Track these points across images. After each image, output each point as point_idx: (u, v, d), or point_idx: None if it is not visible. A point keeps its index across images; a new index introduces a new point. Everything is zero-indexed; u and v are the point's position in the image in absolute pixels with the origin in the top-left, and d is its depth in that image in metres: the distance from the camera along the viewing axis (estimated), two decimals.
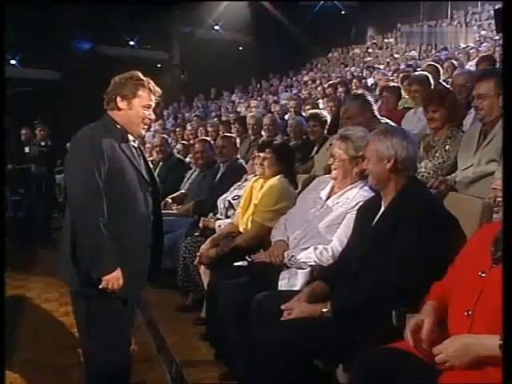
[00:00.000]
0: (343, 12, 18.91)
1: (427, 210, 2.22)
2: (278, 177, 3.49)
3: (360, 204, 2.68)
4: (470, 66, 8.95)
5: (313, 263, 2.71)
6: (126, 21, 16.27)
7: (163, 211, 5.19)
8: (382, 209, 2.42)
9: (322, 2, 18.61)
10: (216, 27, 18.85)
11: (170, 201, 5.28)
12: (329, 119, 5.33)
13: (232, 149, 4.90)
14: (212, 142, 5.74)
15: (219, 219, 4.07)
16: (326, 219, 2.80)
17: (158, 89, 2.60)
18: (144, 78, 2.56)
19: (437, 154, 3.45)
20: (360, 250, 2.36)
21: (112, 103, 2.55)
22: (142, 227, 2.57)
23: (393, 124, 3.60)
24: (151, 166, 2.81)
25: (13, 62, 15.97)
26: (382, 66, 12.91)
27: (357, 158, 2.82)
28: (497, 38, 11.94)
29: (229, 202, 4.02)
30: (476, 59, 9.82)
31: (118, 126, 2.54)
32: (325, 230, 2.78)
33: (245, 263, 3.07)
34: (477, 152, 3.15)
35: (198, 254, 3.61)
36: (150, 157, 7.49)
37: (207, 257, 3.51)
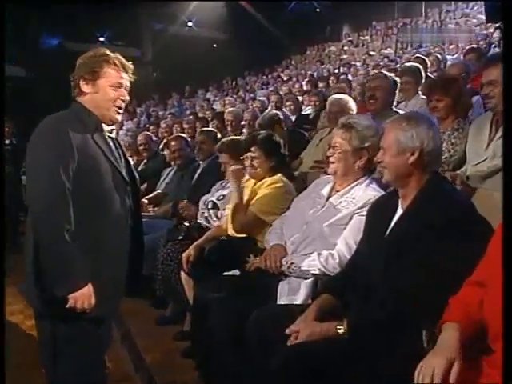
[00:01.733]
0: (318, 10, 18.68)
1: (459, 213, 1.85)
2: (277, 176, 3.12)
3: (370, 204, 2.30)
4: (452, 60, 8.80)
5: (317, 272, 2.34)
6: (96, 16, 15.67)
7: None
8: (400, 210, 2.05)
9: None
10: (189, 24, 18.39)
11: (145, 202, 4.84)
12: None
13: (212, 144, 4.49)
14: (189, 139, 5.36)
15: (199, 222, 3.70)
16: (329, 220, 2.44)
17: (128, 64, 2.20)
18: (110, 53, 2.16)
19: (442, 148, 3.12)
20: (375, 258, 1.99)
21: (77, 88, 2.15)
22: (117, 233, 2.15)
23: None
24: (131, 162, 2.40)
25: None
26: (358, 64, 12.74)
27: (361, 150, 2.47)
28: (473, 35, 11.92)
29: (213, 202, 3.62)
30: (458, 53, 9.76)
31: (90, 115, 2.13)
32: (328, 232, 2.41)
33: (236, 272, 2.66)
34: (490, 144, 2.85)
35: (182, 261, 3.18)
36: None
37: (189, 263, 3.09)
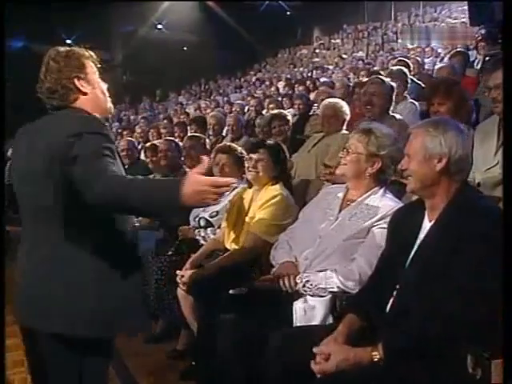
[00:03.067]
0: (288, 13, 18.66)
1: (495, 225, 1.71)
2: (277, 186, 2.96)
3: (390, 216, 2.15)
4: (428, 63, 8.85)
5: (335, 289, 2.18)
6: (62, 17, 15.22)
7: None
8: (427, 222, 1.91)
9: (266, 2, 18.28)
10: (159, 26, 18.09)
11: None
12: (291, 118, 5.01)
13: (202, 150, 4.31)
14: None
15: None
16: (345, 234, 2.28)
17: (94, 55, 2.03)
18: (82, 50, 2.01)
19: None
20: (405, 275, 1.84)
21: (72, 92, 1.93)
22: (120, 244, 1.95)
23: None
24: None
25: None
26: (330, 67, 12.73)
27: (375, 157, 2.34)
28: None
29: (205, 220, 3.43)
30: (433, 56, 9.83)
31: (93, 117, 1.92)
32: (344, 246, 2.26)
33: (243, 290, 2.48)
34: (499, 149, 2.76)
35: (177, 277, 2.97)
36: None
37: (187, 281, 2.88)
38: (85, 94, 1.94)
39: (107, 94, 2.02)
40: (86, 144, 1.74)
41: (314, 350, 1.77)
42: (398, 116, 3.86)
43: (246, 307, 2.33)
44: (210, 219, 3.42)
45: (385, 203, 2.30)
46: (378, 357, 1.69)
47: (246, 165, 3.03)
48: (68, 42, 17.02)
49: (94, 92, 1.96)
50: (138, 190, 1.69)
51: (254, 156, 2.98)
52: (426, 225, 1.91)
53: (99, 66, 2.03)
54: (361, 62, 11.73)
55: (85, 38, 17.02)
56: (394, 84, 3.86)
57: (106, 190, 1.66)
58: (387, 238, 2.05)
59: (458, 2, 14.69)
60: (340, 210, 2.39)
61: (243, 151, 3.39)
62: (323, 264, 2.27)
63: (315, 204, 2.55)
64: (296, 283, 2.24)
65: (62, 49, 1.99)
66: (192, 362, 3.01)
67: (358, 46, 15.48)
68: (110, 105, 2.03)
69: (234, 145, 3.70)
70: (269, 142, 3.11)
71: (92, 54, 2.01)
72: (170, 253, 3.38)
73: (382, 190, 2.36)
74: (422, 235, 1.89)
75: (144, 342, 3.58)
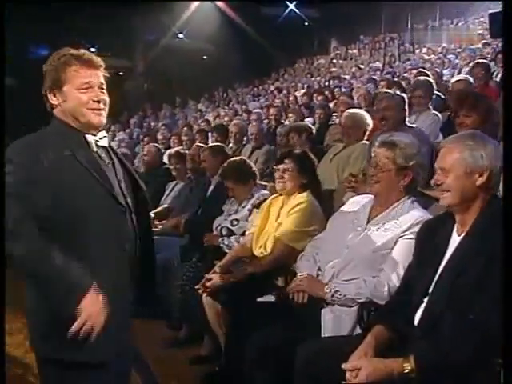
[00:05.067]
0: (306, 23, 18.68)
1: None
2: (305, 194, 2.95)
3: (418, 227, 2.13)
4: (447, 74, 8.77)
5: (363, 300, 2.16)
6: (86, 26, 15.40)
7: None
8: (456, 235, 1.89)
9: (285, 12, 18.34)
10: (180, 35, 18.21)
11: (152, 215, 4.61)
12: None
13: (223, 159, 4.30)
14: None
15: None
16: (374, 245, 2.26)
17: (96, 59, 1.83)
18: (71, 52, 1.81)
19: None
20: (435, 288, 1.81)
21: (48, 102, 1.84)
22: (112, 262, 1.79)
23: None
24: (134, 172, 2.02)
25: None
26: (347, 77, 12.71)
27: (405, 169, 2.30)
28: (459, 50, 11.97)
29: (227, 229, 3.43)
30: (450, 67, 9.75)
31: (70, 129, 1.82)
32: (372, 258, 2.24)
33: (271, 298, 2.46)
34: None
35: (201, 283, 2.96)
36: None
37: (215, 287, 2.87)
38: (55, 106, 1.82)
39: (89, 107, 1.80)
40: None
41: (343, 366, 1.74)
42: (415, 127, 3.86)
43: (274, 315, 2.32)
44: (232, 227, 3.43)
45: (412, 214, 2.27)
46: (409, 368, 1.66)
47: (275, 175, 3.01)
48: (92, 50, 17.28)
49: (64, 106, 1.81)
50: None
51: (281, 166, 2.97)
52: (456, 238, 1.88)
53: (105, 74, 1.86)
54: (378, 72, 11.71)
55: (108, 47, 17.24)
56: (404, 95, 3.88)
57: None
58: (415, 250, 2.02)
59: (475, 14, 14.66)
60: (368, 221, 2.36)
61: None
62: (350, 274, 2.25)
63: (342, 214, 2.53)
64: (325, 293, 2.21)
65: (58, 51, 1.85)
66: (215, 367, 3.00)
67: (375, 56, 15.43)
68: (92, 120, 1.81)
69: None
70: (295, 151, 3.09)
71: (89, 58, 1.81)
72: (194, 259, 3.38)
73: (409, 201, 2.33)
74: (451, 248, 1.86)
75: (168, 346, 3.59)
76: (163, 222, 4.64)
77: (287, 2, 18.28)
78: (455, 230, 1.90)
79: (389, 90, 4.27)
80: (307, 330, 2.18)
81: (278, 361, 2.10)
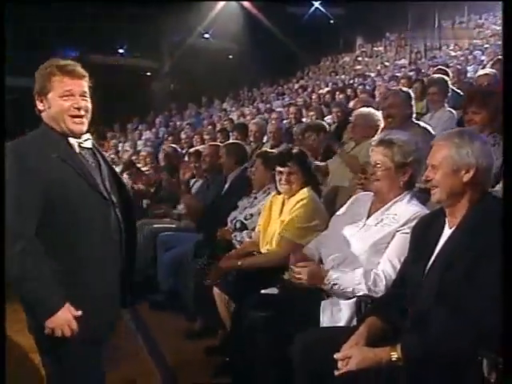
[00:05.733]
0: (332, 21, 18.64)
1: None
2: (305, 189, 3.03)
3: (413, 221, 2.20)
4: (470, 71, 8.68)
5: (361, 294, 2.22)
6: (114, 28, 15.73)
7: (164, 225, 4.81)
8: (447, 229, 1.94)
9: (310, 11, 18.33)
10: (206, 35, 18.42)
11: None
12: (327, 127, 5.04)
13: (240, 157, 4.41)
14: None
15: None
16: (371, 239, 2.33)
17: (79, 69, 2.00)
18: (57, 63, 1.98)
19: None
20: (425, 279, 1.87)
21: (36, 108, 2.01)
22: (98, 249, 1.99)
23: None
24: (117, 170, 2.26)
25: None
26: (372, 74, 12.66)
27: (404, 166, 2.36)
28: (487, 45, 11.78)
29: (241, 222, 3.52)
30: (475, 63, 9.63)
31: (55, 133, 1.98)
32: (370, 252, 2.31)
33: (274, 290, 2.56)
34: None
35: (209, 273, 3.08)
36: (144, 166, 7.03)
37: (219, 273, 2.99)
38: (41, 111, 1.98)
39: (69, 114, 1.95)
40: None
41: (335, 356, 1.83)
42: (422, 124, 3.87)
43: (276, 306, 2.41)
44: (245, 221, 3.52)
45: (410, 209, 2.33)
46: (395, 356, 1.73)
47: (277, 177, 3.09)
48: (120, 51, 17.63)
49: (49, 111, 1.96)
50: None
51: (285, 169, 3.04)
52: (447, 231, 1.94)
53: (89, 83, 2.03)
54: (403, 69, 11.64)
55: (135, 48, 17.59)
56: (410, 92, 3.90)
57: None
58: (410, 245, 2.08)
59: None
60: (368, 217, 2.43)
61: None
62: (349, 268, 2.32)
63: (345, 210, 2.61)
64: (324, 284, 2.29)
65: (47, 62, 2.01)
66: (227, 357, 3.10)
67: (401, 53, 15.33)
68: (71, 126, 1.96)
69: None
70: (294, 150, 3.15)
71: (71, 68, 1.97)
72: (207, 254, 3.49)
73: (408, 196, 2.39)
74: (442, 241, 1.92)
75: (184, 338, 3.70)
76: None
77: (312, 1, 18.28)
78: (447, 223, 1.96)
79: (393, 88, 4.28)
80: (308, 320, 2.25)
81: (279, 348, 2.17)
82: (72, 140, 2.00)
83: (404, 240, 2.21)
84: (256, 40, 16.96)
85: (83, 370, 2.01)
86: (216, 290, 3.09)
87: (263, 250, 3.10)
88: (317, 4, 18.37)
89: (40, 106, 1.98)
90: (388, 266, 2.23)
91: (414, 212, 2.30)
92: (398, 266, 2.18)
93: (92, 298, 1.96)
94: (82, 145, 2.03)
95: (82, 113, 1.98)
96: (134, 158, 8.17)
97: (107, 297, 2.02)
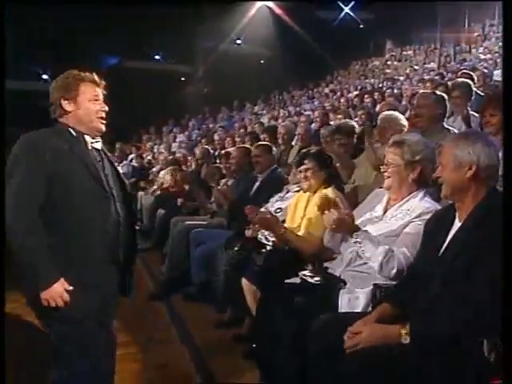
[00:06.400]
0: (361, 26, 18.61)
1: None
2: (330, 189, 3.18)
3: (426, 215, 2.34)
4: (496, 75, 8.62)
5: (373, 266, 2.37)
6: (151, 35, 16.13)
7: (196, 222, 5.01)
8: (457, 223, 2.07)
9: (340, 16, 18.34)
10: (238, 41, 18.66)
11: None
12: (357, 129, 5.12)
13: (268, 157, 4.58)
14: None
15: None
16: (386, 231, 2.47)
17: (99, 80, 2.31)
18: (81, 73, 2.28)
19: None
20: (436, 272, 2.00)
21: (59, 109, 2.26)
22: (97, 238, 2.23)
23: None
24: (120, 171, 2.51)
25: (45, 76, 15.98)
26: (401, 78, 12.63)
27: (413, 164, 2.51)
28: None
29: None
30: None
31: (72, 131, 2.25)
32: (384, 243, 2.42)
33: (296, 280, 2.72)
34: None
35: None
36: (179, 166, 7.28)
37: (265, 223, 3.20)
38: (68, 112, 2.24)
39: (98, 116, 2.26)
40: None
41: (349, 329, 1.99)
42: (452, 129, 3.90)
43: (298, 295, 2.56)
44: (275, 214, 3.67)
45: (422, 205, 2.46)
46: (404, 332, 1.87)
47: (299, 176, 3.26)
48: (157, 57, 18.04)
49: (77, 112, 2.24)
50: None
51: (303, 167, 3.22)
52: (456, 225, 2.06)
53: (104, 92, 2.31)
54: (432, 72, 11.58)
55: (171, 54, 17.96)
56: (444, 95, 3.94)
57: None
58: (422, 238, 2.21)
59: None
60: (384, 212, 2.57)
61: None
62: (362, 261, 2.47)
63: (362, 207, 2.75)
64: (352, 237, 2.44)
65: (63, 75, 2.28)
66: (252, 344, 3.26)
67: (430, 57, 15.20)
68: (99, 126, 2.28)
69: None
70: (311, 151, 3.32)
71: (96, 78, 2.29)
72: (236, 248, 3.66)
73: (421, 194, 2.52)
74: (451, 234, 2.05)
75: (215, 327, 3.86)
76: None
77: (342, 5, 18.28)
78: (457, 218, 2.09)
79: (426, 90, 4.35)
80: (327, 307, 2.39)
81: (300, 333, 2.32)
82: (87, 138, 2.27)
83: (416, 229, 2.35)
84: (286, 45, 17.07)
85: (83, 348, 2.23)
86: (244, 280, 3.26)
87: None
88: (347, 9, 18.36)
89: (68, 107, 2.24)
90: (400, 251, 2.35)
91: (426, 207, 2.43)
92: (409, 254, 2.31)
93: (87, 284, 2.19)
94: (93, 145, 2.29)
95: (105, 115, 2.30)
96: (170, 158, 8.45)
97: (102, 286, 2.25)
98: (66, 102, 2.24)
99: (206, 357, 3.46)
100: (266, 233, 3.66)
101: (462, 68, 10.22)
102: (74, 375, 2.22)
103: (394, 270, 2.31)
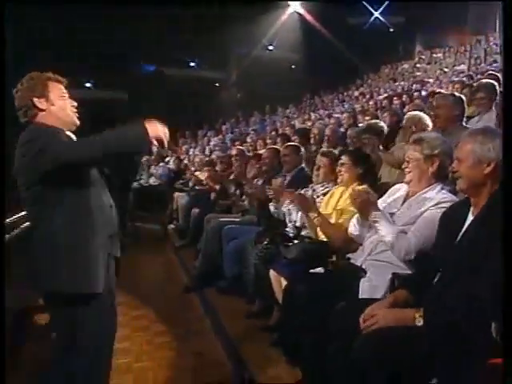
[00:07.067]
0: (391, 30, 18.48)
1: None
2: (365, 186, 3.27)
3: (442, 205, 2.42)
4: None
5: (386, 239, 2.50)
6: (186, 43, 16.45)
7: (229, 219, 5.15)
8: (471, 216, 2.12)
9: (370, 20, 18.26)
10: (270, 47, 18.80)
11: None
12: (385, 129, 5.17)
13: (295, 157, 4.68)
14: None
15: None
16: (402, 221, 2.57)
17: (61, 77, 2.38)
18: (45, 73, 2.34)
19: None
20: (450, 263, 2.06)
21: (32, 110, 2.29)
22: (102, 210, 2.33)
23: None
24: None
25: (88, 85, 16.48)
26: (431, 80, 12.52)
27: (432, 157, 2.59)
28: None
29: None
30: None
31: (50, 128, 2.28)
32: (398, 232, 2.52)
33: (321, 270, 2.82)
34: None
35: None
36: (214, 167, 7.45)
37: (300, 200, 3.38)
38: (42, 110, 2.27)
39: (71, 110, 2.34)
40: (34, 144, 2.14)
41: (365, 311, 2.08)
42: (469, 127, 3.94)
43: (322, 284, 2.66)
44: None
45: (439, 196, 2.54)
46: (419, 314, 1.94)
47: (337, 171, 3.44)
48: (192, 64, 18.36)
49: (52, 108, 2.28)
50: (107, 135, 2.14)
51: (339, 162, 3.41)
52: (470, 218, 2.11)
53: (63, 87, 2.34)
54: (461, 74, 11.45)
55: (205, 61, 18.24)
56: (462, 97, 3.99)
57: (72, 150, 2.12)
58: (438, 229, 2.26)
59: None
60: (403, 204, 2.66)
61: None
62: (383, 247, 2.57)
63: (384, 199, 2.82)
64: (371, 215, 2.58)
65: (32, 73, 2.32)
66: (280, 334, 3.36)
67: (460, 59, 14.99)
68: (73, 119, 2.34)
69: (332, 150, 4.09)
70: (349, 149, 3.44)
71: (59, 77, 2.35)
72: (265, 242, 3.78)
73: (439, 187, 2.59)
74: (465, 226, 2.10)
75: (245, 317, 3.98)
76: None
77: (372, 10, 18.20)
78: (471, 211, 2.14)
79: (443, 91, 4.39)
80: (349, 294, 2.49)
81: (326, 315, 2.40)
82: (68, 132, 2.36)
83: (431, 216, 2.42)
84: (317, 50, 17.09)
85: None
86: (272, 272, 3.38)
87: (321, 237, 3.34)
88: (376, 14, 18.27)
89: (42, 105, 2.29)
90: (413, 235, 2.44)
91: (443, 197, 2.51)
92: (422, 239, 2.39)
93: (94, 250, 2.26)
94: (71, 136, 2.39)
95: (75, 110, 2.38)
96: (206, 159, 8.64)
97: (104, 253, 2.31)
98: (38, 100, 2.27)
99: (237, 345, 3.57)
100: (294, 219, 3.77)
101: (490, 69, 10.08)
102: (86, 356, 2.29)
103: (404, 250, 2.41)
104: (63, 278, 2.21)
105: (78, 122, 2.38)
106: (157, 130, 2.15)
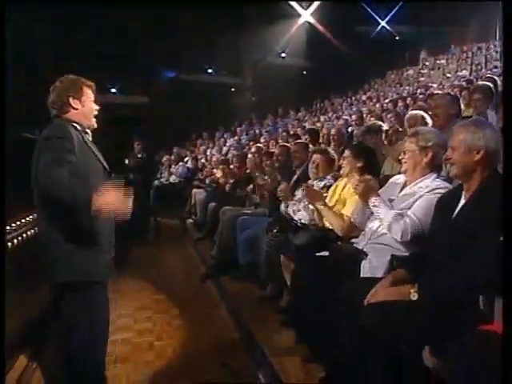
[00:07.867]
0: (397, 38, 18.43)
1: None
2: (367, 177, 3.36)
3: (436, 191, 2.50)
4: None
5: (383, 223, 2.58)
6: (203, 50, 16.63)
7: (243, 211, 5.25)
8: (463, 200, 2.19)
9: (377, 29, 18.24)
10: (283, 54, 18.89)
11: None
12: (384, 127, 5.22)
13: (304, 153, 4.77)
14: None
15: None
16: (400, 206, 2.65)
17: (91, 82, 2.56)
18: (81, 78, 2.53)
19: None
20: (443, 244, 2.13)
21: (65, 106, 2.47)
22: None
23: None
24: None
25: (113, 90, 16.71)
26: (434, 85, 12.48)
27: (426, 149, 2.66)
28: None
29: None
30: None
31: (77, 125, 2.47)
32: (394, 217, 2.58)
33: (326, 253, 2.90)
34: None
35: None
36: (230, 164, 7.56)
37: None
38: (75, 109, 2.47)
39: (93, 114, 2.53)
40: (48, 145, 2.29)
41: (370, 293, 2.17)
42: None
43: (327, 265, 2.74)
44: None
45: (434, 183, 2.61)
46: (414, 290, 2.03)
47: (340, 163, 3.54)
48: (209, 71, 18.50)
49: (82, 110, 2.49)
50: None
51: (342, 156, 3.49)
52: (462, 202, 2.19)
53: None
54: (463, 79, 11.41)
55: (222, 68, 18.37)
56: (458, 96, 4.05)
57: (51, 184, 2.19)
58: (433, 213, 2.34)
59: None
60: (400, 191, 2.74)
61: (334, 154, 3.84)
62: (382, 232, 2.65)
63: (383, 190, 2.89)
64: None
65: (70, 76, 2.52)
66: (290, 314, 3.44)
67: (462, 65, 14.92)
68: (93, 122, 2.54)
69: (327, 148, 4.15)
70: (352, 143, 3.51)
71: (91, 83, 2.54)
72: (275, 231, 3.87)
73: (434, 176, 2.66)
74: (457, 210, 2.17)
75: (257, 303, 4.03)
76: None
77: (378, 19, 18.18)
78: (463, 196, 2.21)
79: (440, 92, 4.45)
80: (352, 274, 2.57)
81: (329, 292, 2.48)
82: (87, 131, 2.54)
83: (427, 201, 2.50)
84: (327, 57, 17.12)
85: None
86: (282, 257, 3.47)
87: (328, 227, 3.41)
88: (383, 23, 18.24)
89: (76, 104, 2.47)
90: (408, 218, 2.51)
91: (437, 184, 2.59)
92: (415, 219, 2.47)
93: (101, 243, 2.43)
94: (88, 136, 2.55)
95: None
96: (222, 158, 8.77)
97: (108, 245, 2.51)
98: (74, 100, 2.46)
99: (250, 328, 3.65)
100: (300, 218, 3.85)
101: (488, 74, 10.04)
102: (92, 332, 2.46)
103: (400, 231, 2.48)
104: (77, 269, 2.38)
105: (95, 125, 2.56)
106: (106, 201, 2.18)
